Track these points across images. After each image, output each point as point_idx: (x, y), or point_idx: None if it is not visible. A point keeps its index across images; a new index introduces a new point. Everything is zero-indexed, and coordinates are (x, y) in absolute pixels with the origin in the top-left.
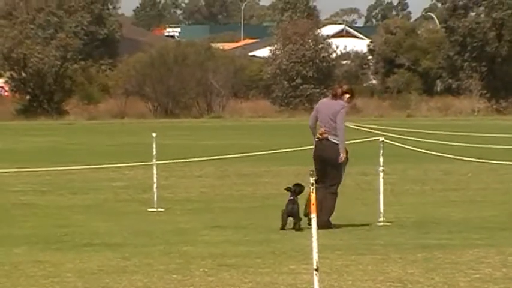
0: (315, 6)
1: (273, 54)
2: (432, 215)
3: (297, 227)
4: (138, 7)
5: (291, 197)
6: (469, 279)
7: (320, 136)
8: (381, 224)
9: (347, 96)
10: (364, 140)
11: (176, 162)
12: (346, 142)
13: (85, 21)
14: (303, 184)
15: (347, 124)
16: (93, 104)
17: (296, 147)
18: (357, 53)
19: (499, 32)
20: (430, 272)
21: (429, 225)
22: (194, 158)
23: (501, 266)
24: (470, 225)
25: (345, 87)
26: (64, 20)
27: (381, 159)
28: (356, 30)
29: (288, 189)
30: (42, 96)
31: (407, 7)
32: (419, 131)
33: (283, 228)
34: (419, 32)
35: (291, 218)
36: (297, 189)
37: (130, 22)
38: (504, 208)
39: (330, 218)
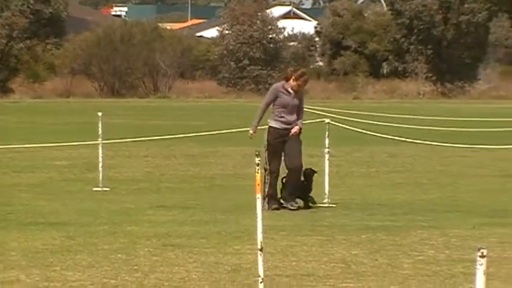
0: None
1: (220, 34)
2: (377, 197)
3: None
4: None
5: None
6: (413, 260)
7: None
8: (326, 205)
9: (292, 78)
10: (310, 121)
11: (122, 142)
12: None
13: (31, 0)
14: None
15: None
16: (39, 82)
17: (242, 128)
18: (304, 35)
19: (446, 15)
20: (373, 253)
21: (374, 207)
22: (140, 137)
23: (444, 248)
24: (415, 207)
25: (299, 71)
26: None
27: (327, 141)
28: (303, 12)
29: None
30: None
31: None
32: (365, 113)
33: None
34: (366, 14)
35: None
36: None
37: (77, 1)
38: (448, 190)
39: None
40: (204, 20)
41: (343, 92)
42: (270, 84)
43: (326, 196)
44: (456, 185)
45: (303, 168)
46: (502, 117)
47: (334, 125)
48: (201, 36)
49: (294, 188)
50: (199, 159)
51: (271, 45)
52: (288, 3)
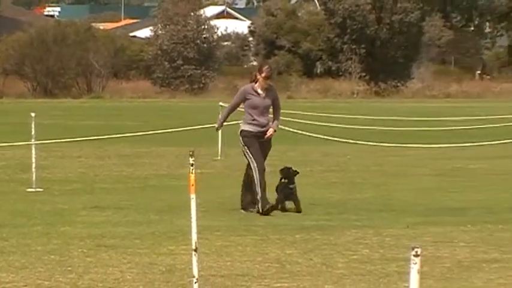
0: None
1: (154, 34)
2: (311, 197)
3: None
4: None
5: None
6: (347, 260)
7: None
8: None
9: (257, 76)
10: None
11: (55, 142)
12: (227, 123)
13: None
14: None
15: (226, 105)
16: None
17: (176, 128)
18: (237, 35)
19: (379, 14)
20: (308, 253)
21: (308, 206)
22: (73, 138)
23: (378, 247)
24: (349, 206)
25: (259, 64)
26: None
27: None
28: (237, 12)
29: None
30: None
31: None
32: (299, 112)
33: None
34: (299, 14)
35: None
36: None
37: (10, 1)
38: (382, 189)
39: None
40: (138, 20)
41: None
42: (204, 84)
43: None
44: (390, 184)
45: (282, 168)
46: (435, 116)
47: None
48: (134, 36)
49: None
50: (133, 159)
51: (205, 45)
52: (222, 3)
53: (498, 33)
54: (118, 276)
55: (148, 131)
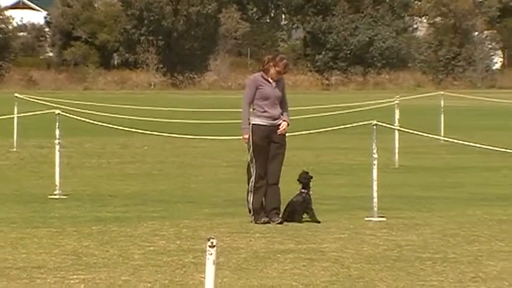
0: None
1: None
2: (108, 188)
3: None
4: None
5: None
6: (144, 251)
7: None
8: (57, 197)
9: (270, 66)
10: (40, 112)
11: None
12: (23, 114)
13: None
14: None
15: (22, 96)
16: None
17: None
18: (33, 25)
19: (176, 6)
20: (104, 244)
21: (105, 198)
22: None
23: (175, 239)
24: (146, 198)
25: (279, 56)
26: None
27: (57, 132)
28: (33, 2)
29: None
30: None
31: None
32: (96, 104)
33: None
34: (96, 4)
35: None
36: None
37: None
38: (179, 181)
39: None
40: None
41: (73, 83)
42: (0, 76)
43: (57, 188)
44: (187, 176)
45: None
46: (231, 108)
47: (65, 115)
48: None
49: (274, 203)
50: None
51: (0, 36)
52: None
53: (294, 26)
54: None
55: None
